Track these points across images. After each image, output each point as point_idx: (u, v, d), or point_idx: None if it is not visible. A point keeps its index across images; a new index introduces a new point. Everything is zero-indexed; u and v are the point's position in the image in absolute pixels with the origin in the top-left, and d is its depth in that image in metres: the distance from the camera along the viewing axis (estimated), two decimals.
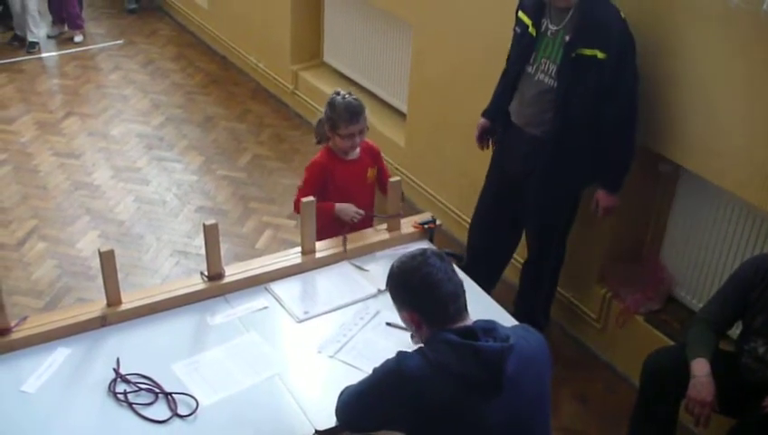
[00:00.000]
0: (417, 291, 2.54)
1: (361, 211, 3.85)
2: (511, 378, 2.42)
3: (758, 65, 3.41)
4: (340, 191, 3.91)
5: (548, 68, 3.86)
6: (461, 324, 2.48)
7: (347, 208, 3.86)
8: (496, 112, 4.22)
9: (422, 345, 2.55)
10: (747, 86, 3.47)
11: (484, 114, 4.33)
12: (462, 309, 2.53)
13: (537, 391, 2.56)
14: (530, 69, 3.94)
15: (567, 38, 3.77)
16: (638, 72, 3.80)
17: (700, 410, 3.19)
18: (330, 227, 3.79)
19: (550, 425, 2.64)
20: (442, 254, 2.62)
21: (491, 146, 4.38)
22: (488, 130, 4.34)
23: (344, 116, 3.82)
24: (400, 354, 2.53)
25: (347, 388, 2.73)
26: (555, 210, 4.14)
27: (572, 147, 3.90)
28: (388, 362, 2.55)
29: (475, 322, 2.50)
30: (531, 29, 3.90)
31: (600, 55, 3.71)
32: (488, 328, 2.47)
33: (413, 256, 2.57)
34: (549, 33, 3.85)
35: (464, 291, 2.56)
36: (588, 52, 3.73)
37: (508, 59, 4.17)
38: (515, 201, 4.23)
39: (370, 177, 4.02)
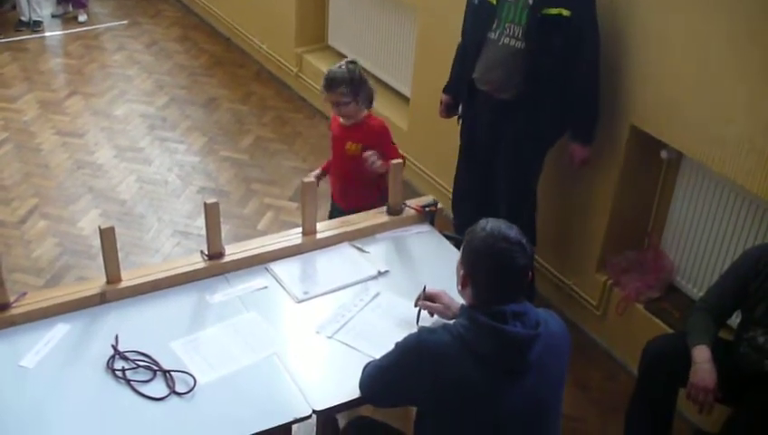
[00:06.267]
0: (481, 259, 2.49)
1: (372, 152, 3.88)
2: (534, 364, 2.44)
3: (764, 53, 3.39)
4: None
5: (513, 31, 3.91)
6: (495, 308, 2.45)
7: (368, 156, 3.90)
8: (457, 86, 4.29)
9: (447, 322, 2.56)
10: (752, 73, 3.45)
11: (446, 90, 4.40)
12: (511, 300, 2.47)
13: (556, 378, 2.58)
14: (492, 35, 3.98)
15: (530, 0, 3.82)
16: (598, 24, 3.86)
17: (704, 397, 3.18)
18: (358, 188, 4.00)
19: (562, 410, 2.66)
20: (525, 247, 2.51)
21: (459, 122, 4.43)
22: (452, 106, 4.42)
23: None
24: (422, 329, 2.56)
25: (370, 362, 2.76)
26: (527, 171, 4.20)
27: (544, 106, 3.97)
28: (410, 336, 2.56)
29: (509, 304, 2.47)
30: None
31: (565, 13, 3.78)
32: (519, 312, 2.45)
33: (504, 236, 2.47)
34: None
35: (524, 285, 2.50)
36: (553, 11, 3.79)
37: (463, 31, 4.24)
38: (487, 169, 4.28)
39: (350, 150, 3.99)
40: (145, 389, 2.81)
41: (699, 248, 4.17)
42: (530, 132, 4.04)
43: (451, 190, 5.02)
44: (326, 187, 4.24)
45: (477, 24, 4.07)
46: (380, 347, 2.76)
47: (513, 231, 2.49)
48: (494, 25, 3.96)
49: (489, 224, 2.51)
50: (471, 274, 2.53)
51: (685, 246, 4.25)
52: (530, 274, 2.52)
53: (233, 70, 7.66)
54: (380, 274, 3.43)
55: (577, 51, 3.85)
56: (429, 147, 5.59)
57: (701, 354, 3.23)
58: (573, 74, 3.91)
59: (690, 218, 4.18)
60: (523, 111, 3.99)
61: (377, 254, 3.55)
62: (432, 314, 3.07)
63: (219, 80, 7.46)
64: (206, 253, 3.36)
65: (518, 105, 3.99)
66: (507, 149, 4.13)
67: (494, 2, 3.94)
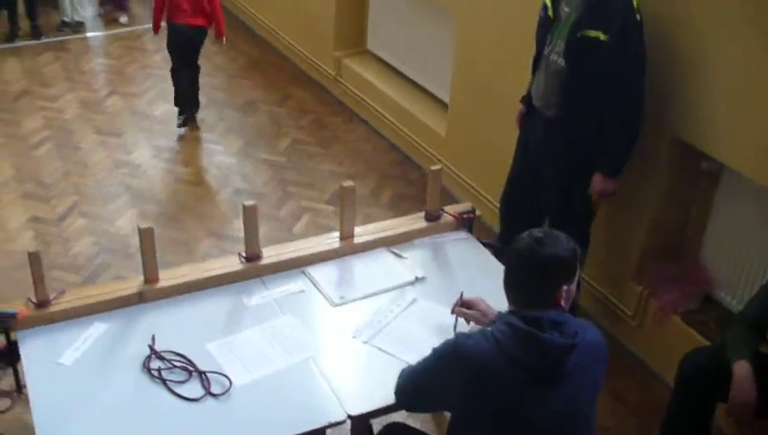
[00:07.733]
0: (511, 255, 2.52)
1: None
2: (570, 373, 2.42)
3: None
4: None
5: (560, 48, 3.88)
6: (533, 313, 2.44)
7: None
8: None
9: (483, 328, 2.54)
10: None
11: (523, 101, 4.34)
12: (543, 300, 2.46)
13: (592, 387, 2.56)
14: (546, 50, 3.97)
15: (573, 18, 3.80)
16: (645, 58, 3.76)
17: (743, 414, 3.14)
18: None
19: (595, 419, 2.64)
20: (562, 251, 2.47)
21: None
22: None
23: None
24: (460, 334, 2.55)
25: (406, 367, 2.74)
26: (572, 195, 4.11)
27: (579, 130, 3.92)
28: (447, 341, 2.54)
29: (547, 312, 2.45)
30: (549, 11, 3.93)
31: (602, 37, 3.71)
32: (557, 321, 2.43)
33: (538, 239, 2.47)
34: (563, 15, 3.87)
35: (554, 278, 2.48)
36: (591, 33, 3.73)
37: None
38: (535, 184, 4.23)
39: None
40: (180, 389, 2.82)
41: (738, 260, 4.12)
42: (569, 156, 3.98)
43: (489, 198, 5.01)
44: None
45: (539, 37, 4.06)
46: (416, 353, 2.75)
47: (552, 233, 2.49)
48: (549, 40, 3.95)
49: (535, 229, 2.52)
50: (506, 272, 2.54)
51: (723, 257, 4.20)
52: (568, 271, 2.49)
53: (271, 72, 7.68)
54: (417, 280, 3.42)
55: (612, 78, 3.76)
56: (467, 153, 5.58)
57: (741, 370, 3.18)
58: (610, 102, 3.81)
59: (730, 230, 4.13)
60: (562, 132, 3.94)
61: (414, 260, 3.54)
62: (468, 322, 3.05)
63: (257, 82, 7.49)
64: (244, 255, 3.37)
65: (558, 123, 3.95)
66: (551, 171, 4.08)
67: (552, 16, 3.91)
